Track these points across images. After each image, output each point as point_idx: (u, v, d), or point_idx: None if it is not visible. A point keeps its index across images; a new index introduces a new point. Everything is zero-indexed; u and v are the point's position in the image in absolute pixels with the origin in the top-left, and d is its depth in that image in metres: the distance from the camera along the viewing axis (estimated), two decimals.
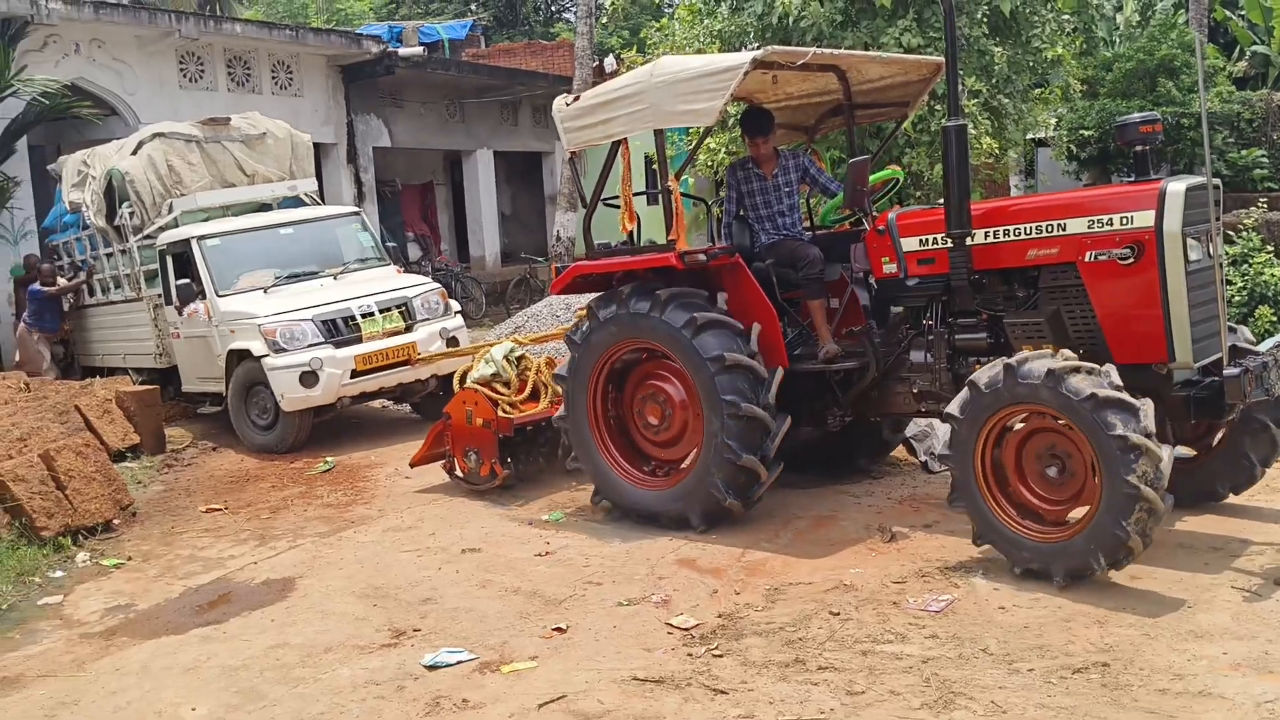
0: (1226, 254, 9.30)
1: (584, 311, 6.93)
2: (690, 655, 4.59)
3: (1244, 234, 10.22)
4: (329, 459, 9.14)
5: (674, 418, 6.45)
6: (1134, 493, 4.65)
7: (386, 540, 6.72)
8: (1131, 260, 5.23)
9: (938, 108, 10.04)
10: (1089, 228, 5.38)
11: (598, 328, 6.56)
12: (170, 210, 11.05)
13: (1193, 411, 5.37)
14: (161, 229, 10.93)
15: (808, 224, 7.27)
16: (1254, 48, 20.57)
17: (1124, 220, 5.27)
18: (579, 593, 5.47)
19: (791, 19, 9.88)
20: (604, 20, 19.11)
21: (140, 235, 11.13)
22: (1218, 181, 5.38)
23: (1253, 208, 11.29)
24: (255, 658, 5.01)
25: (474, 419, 7.41)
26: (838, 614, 4.89)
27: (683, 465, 6.50)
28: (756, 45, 10.30)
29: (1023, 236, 5.62)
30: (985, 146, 9.98)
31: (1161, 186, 5.20)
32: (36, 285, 12.24)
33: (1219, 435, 5.82)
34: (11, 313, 13.52)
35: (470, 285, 18.66)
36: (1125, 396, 4.74)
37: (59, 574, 6.60)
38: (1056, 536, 5.05)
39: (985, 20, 10.18)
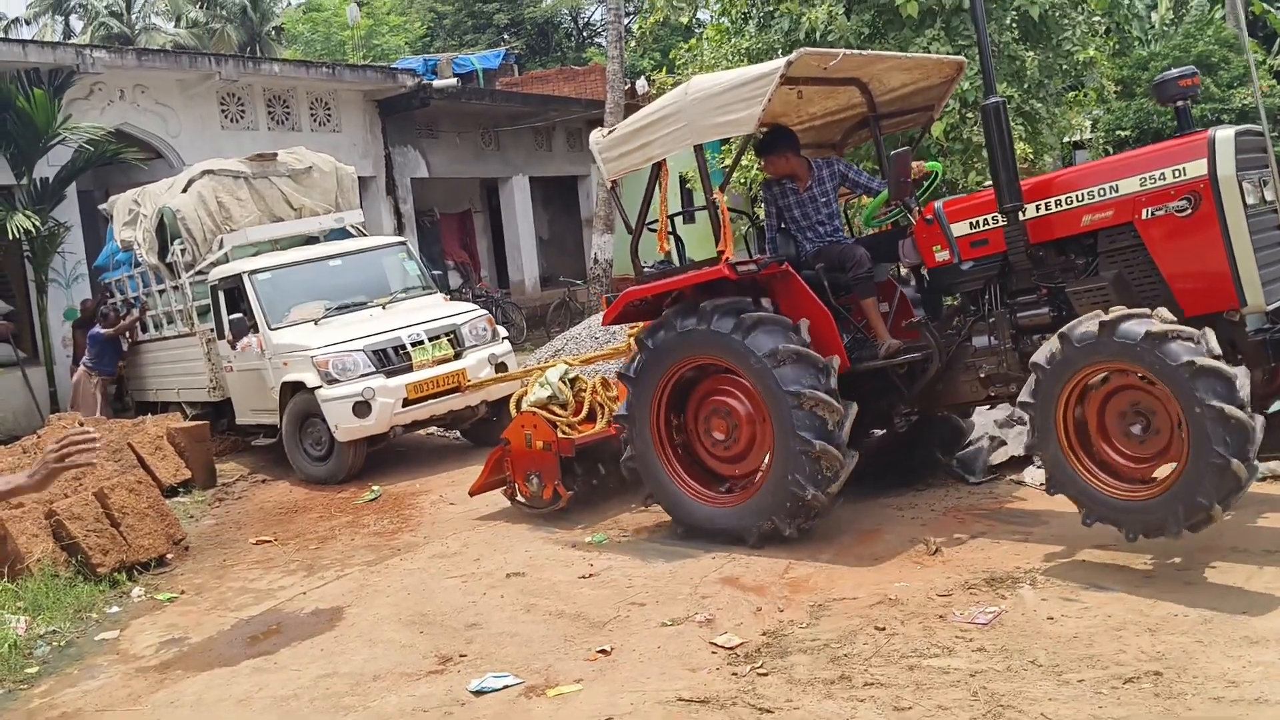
0: None
1: (634, 332, 6.93)
2: (735, 674, 4.58)
3: None
4: (375, 488, 9.24)
5: (740, 433, 6.41)
6: (1222, 464, 4.63)
7: (432, 567, 6.78)
8: (1189, 211, 5.23)
9: (969, 115, 10.01)
10: (1142, 185, 5.39)
11: (673, 338, 6.49)
12: (221, 246, 11.26)
13: (1272, 354, 5.32)
14: (212, 264, 11.13)
15: (848, 232, 7.26)
16: None
17: (1176, 173, 5.28)
18: (623, 614, 5.47)
19: (819, 33, 9.90)
20: (631, 44, 19.23)
21: (192, 271, 11.34)
22: (1266, 128, 5.37)
23: None
24: (305, 688, 5.07)
25: (534, 442, 7.42)
26: (883, 629, 4.86)
27: (752, 482, 6.45)
28: None
29: (1075, 204, 5.64)
30: (1020, 152, 9.90)
31: (1210, 134, 5.24)
32: (97, 329, 12.48)
33: None
34: (67, 354, 13.80)
35: (510, 310, 18.79)
36: (1222, 366, 4.70)
37: (115, 609, 6.72)
38: (1136, 495, 5.03)
39: (1015, 25, 10.13)
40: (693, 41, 13.09)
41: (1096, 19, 11.14)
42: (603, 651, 5.00)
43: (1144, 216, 5.39)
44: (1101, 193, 5.54)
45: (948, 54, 9.68)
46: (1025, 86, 10.29)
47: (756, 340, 6.06)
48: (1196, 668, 4.14)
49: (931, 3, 9.98)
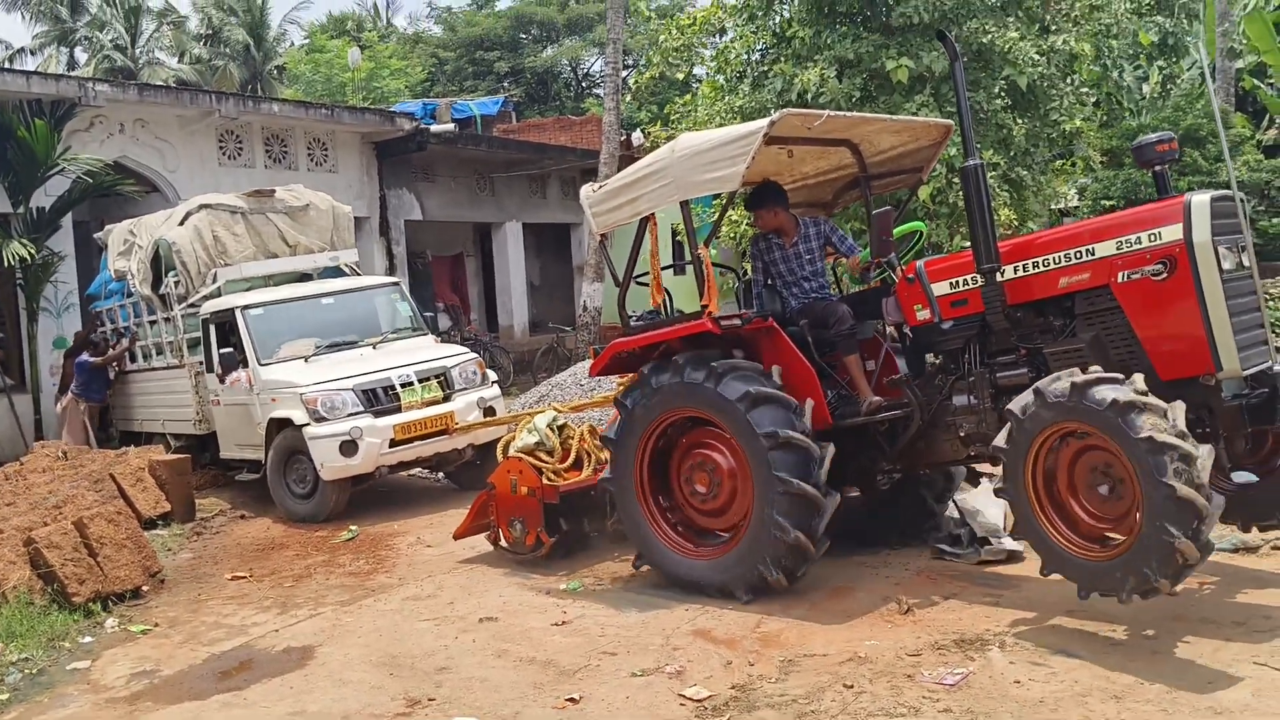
0: None
1: (624, 382, 7.00)
2: None
3: (1270, 303, 10.21)
4: (353, 528, 9.24)
5: (722, 486, 6.43)
6: (1170, 541, 4.64)
7: (406, 609, 6.78)
8: (1165, 275, 5.28)
9: (956, 180, 10.17)
10: (1118, 249, 5.46)
11: (650, 394, 6.57)
12: (214, 280, 11.28)
13: (1248, 419, 5.35)
14: (206, 298, 11.15)
15: (835, 290, 7.36)
16: None
17: (1152, 237, 5.34)
18: (593, 663, 5.49)
19: (811, 95, 10.09)
20: (628, 98, 19.46)
21: (184, 304, 11.35)
22: (1242, 195, 5.43)
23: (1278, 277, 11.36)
24: None
25: (519, 488, 7.43)
26: (851, 686, 4.89)
27: (731, 535, 6.46)
28: None
29: (1052, 266, 5.71)
30: (1004, 218, 10.08)
31: (1186, 199, 5.30)
32: (85, 356, 12.50)
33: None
34: (53, 383, 13.80)
35: (498, 354, 18.85)
36: (1183, 444, 4.69)
37: (88, 639, 6.70)
38: (1091, 554, 5.07)
39: (1003, 94, 10.34)
40: (687, 97, 13.30)
41: (1084, 90, 11.37)
42: (571, 700, 5.02)
43: (1120, 280, 5.46)
44: (1079, 255, 5.62)
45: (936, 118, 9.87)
46: (1012, 154, 10.48)
47: (729, 387, 6.14)
48: None
49: (922, 69, 10.18)
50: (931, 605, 5.93)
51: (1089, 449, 5.12)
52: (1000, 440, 5.31)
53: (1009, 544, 6.61)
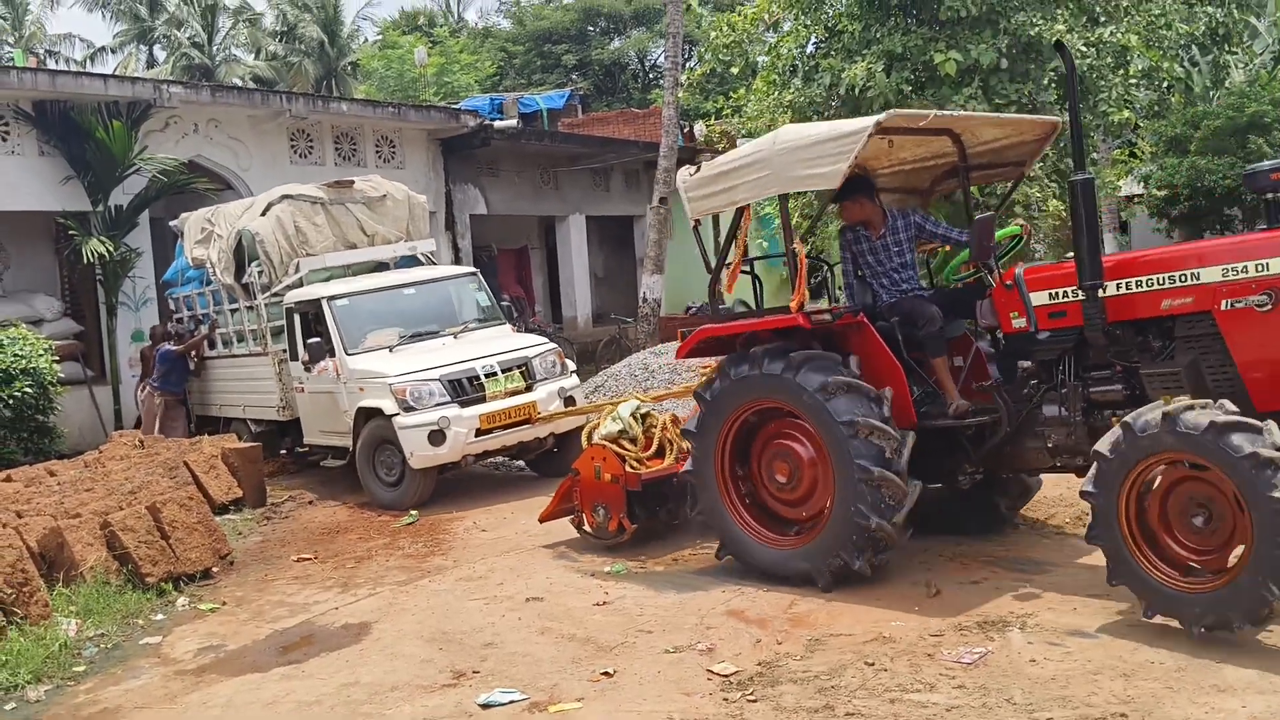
0: None
1: (710, 369, 7.14)
2: (726, 699, 4.84)
3: None
4: (413, 513, 9.61)
5: (802, 475, 6.53)
6: None
7: (458, 589, 7.11)
8: (1269, 307, 5.24)
9: (1029, 174, 10.16)
10: (1224, 275, 5.41)
11: (729, 386, 6.65)
12: (297, 269, 11.57)
13: None
14: (289, 287, 11.44)
15: (927, 282, 7.30)
16: None
17: (1260, 267, 5.30)
18: (630, 640, 5.76)
19: (858, 90, 10.20)
20: (681, 93, 19.54)
21: (268, 293, 11.67)
22: None
23: None
24: (328, 694, 5.42)
25: (602, 474, 7.61)
26: (872, 664, 5.08)
27: (812, 524, 6.51)
28: (827, 115, 10.61)
29: (1156, 287, 5.67)
30: (1052, 209, 10.11)
31: None
32: (166, 346, 12.93)
33: None
34: (133, 374, 14.42)
35: (561, 345, 19.10)
36: (1245, 419, 4.72)
37: (160, 617, 7.13)
38: (1197, 587, 5.01)
39: (1052, 85, 10.36)
40: (740, 92, 13.46)
41: (1133, 82, 11.30)
42: (606, 674, 5.29)
43: (1223, 307, 5.40)
44: (1183, 278, 5.56)
45: (983, 112, 9.92)
46: (1061, 145, 10.47)
47: (806, 377, 6.18)
48: (1161, 711, 4.32)
49: (970, 62, 10.23)
50: (960, 588, 6.10)
51: (1182, 480, 5.08)
52: (1088, 484, 5.24)
53: None
